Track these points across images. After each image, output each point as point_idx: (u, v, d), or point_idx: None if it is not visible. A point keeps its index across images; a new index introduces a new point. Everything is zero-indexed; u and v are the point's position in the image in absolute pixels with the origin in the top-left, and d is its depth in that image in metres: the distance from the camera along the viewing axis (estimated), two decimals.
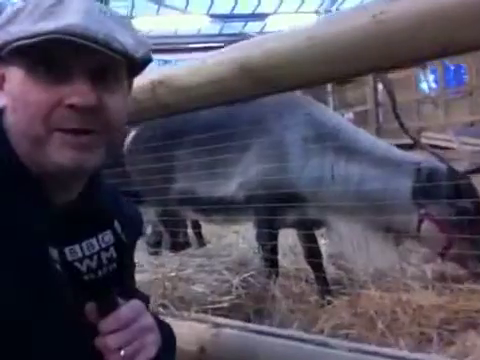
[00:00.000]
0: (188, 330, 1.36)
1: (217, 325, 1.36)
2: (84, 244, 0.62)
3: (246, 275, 1.90)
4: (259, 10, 12.08)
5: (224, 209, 2.13)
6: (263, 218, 2.03)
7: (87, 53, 0.67)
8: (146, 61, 0.76)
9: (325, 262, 2.12)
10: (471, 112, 6.86)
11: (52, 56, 0.67)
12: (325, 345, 1.21)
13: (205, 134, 2.09)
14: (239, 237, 2.66)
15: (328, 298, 1.87)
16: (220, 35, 12.37)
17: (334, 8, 11.72)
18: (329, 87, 7.57)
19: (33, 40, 0.65)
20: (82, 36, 0.65)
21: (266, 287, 1.89)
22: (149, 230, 2.84)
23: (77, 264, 0.62)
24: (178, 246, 2.52)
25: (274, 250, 2.05)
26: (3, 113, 0.72)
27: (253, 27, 12.18)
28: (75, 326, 0.67)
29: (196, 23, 12.30)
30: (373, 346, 1.28)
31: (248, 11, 12.13)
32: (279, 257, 2.09)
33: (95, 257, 0.62)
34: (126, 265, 0.67)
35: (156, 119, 1.74)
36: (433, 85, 7.35)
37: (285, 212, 1.99)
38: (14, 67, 0.69)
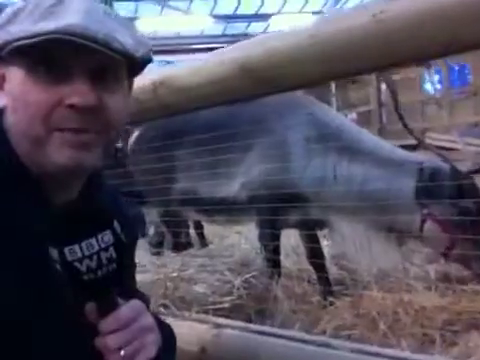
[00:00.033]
0: (189, 330, 1.36)
1: (218, 325, 1.36)
2: (84, 244, 0.62)
3: (248, 276, 1.90)
4: (262, 10, 12.08)
5: (226, 209, 2.13)
6: (265, 218, 2.03)
7: (87, 53, 0.67)
8: (146, 61, 0.76)
9: (328, 263, 2.11)
10: (476, 113, 6.83)
11: (52, 56, 0.67)
12: (327, 346, 1.21)
13: (207, 134, 2.09)
14: (241, 238, 2.66)
15: (330, 299, 1.87)
16: (223, 36, 12.37)
17: (338, 8, 11.69)
18: (332, 87, 7.56)
19: (33, 40, 0.65)
20: (82, 36, 0.65)
21: (268, 287, 1.89)
22: (151, 231, 2.84)
23: (77, 264, 0.62)
24: (180, 246, 2.52)
25: (276, 250, 2.04)
26: (3, 113, 0.73)
27: (256, 27, 12.17)
28: (75, 326, 0.67)
29: (199, 24, 12.32)
30: (375, 347, 1.28)
31: (251, 11, 12.13)
32: (281, 257, 2.09)
33: (95, 257, 0.62)
34: (126, 265, 0.67)
35: (158, 119, 1.74)
36: (438, 86, 7.32)
37: (287, 212, 1.99)
38: (14, 67, 0.69)
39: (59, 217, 0.64)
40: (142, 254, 2.33)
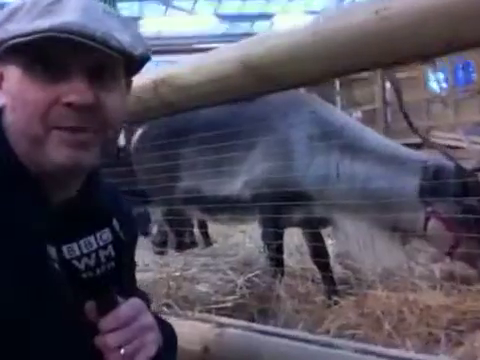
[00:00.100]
0: (192, 330, 1.35)
1: (221, 325, 1.36)
2: (82, 242, 0.62)
3: (251, 275, 1.89)
4: (266, 10, 12.08)
5: (230, 208, 2.12)
6: (268, 217, 2.02)
7: (85, 51, 0.67)
8: (144, 59, 0.75)
9: (332, 261, 2.10)
10: None
11: (48, 54, 0.67)
12: (330, 346, 1.20)
13: (211, 132, 2.09)
14: (246, 237, 2.66)
15: (335, 298, 1.86)
16: (227, 35, 12.37)
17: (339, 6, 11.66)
18: (337, 86, 7.54)
19: (28, 38, 0.65)
20: (79, 34, 0.65)
21: (271, 287, 1.88)
22: (155, 230, 2.84)
23: (75, 262, 0.62)
24: (184, 246, 2.52)
25: (280, 249, 2.03)
26: (2, 112, 0.73)
27: (261, 27, 12.17)
28: (74, 325, 0.67)
29: (203, 23, 12.33)
30: (379, 347, 1.27)
31: (255, 11, 12.14)
32: (285, 256, 2.08)
33: (93, 255, 0.62)
34: (125, 263, 0.67)
35: (161, 118, 1.74)
36: (444, 85, 7.28)
37: (291, 211, 1.98)
38: (12, 66, 0.69)
39: (57, 215, 0.64)
40: (145, 253, 2.33)
